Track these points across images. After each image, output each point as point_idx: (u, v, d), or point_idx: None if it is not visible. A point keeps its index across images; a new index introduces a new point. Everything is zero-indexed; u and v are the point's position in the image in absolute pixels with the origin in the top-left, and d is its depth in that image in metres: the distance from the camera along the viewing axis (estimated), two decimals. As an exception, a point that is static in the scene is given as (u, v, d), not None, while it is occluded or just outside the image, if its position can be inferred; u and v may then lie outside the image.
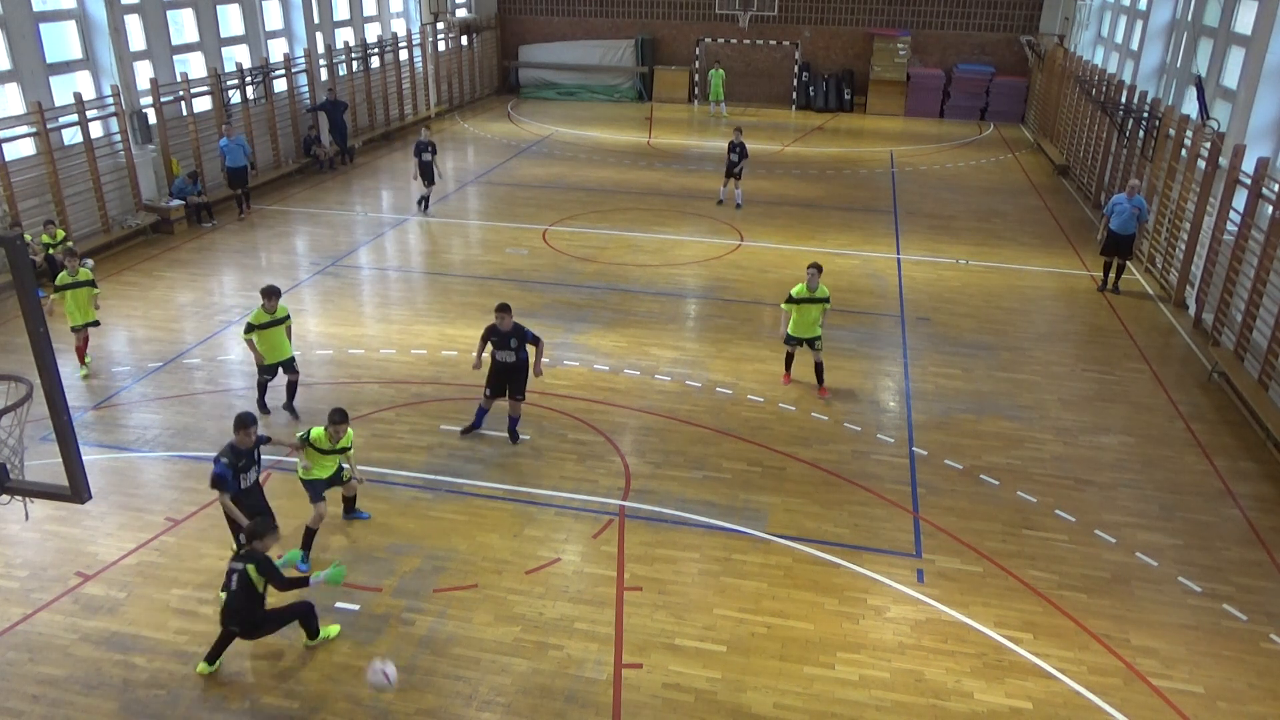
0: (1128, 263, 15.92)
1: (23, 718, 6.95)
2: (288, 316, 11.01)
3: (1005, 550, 9.03)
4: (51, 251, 14.77)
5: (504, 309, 10.40)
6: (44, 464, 9.13)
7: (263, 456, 8.42)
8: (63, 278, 11.87)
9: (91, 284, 12.07)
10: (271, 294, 10.66)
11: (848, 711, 7.13)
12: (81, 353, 12.23)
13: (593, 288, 15.44)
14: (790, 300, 11.75)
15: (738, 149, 19.43)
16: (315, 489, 8.71)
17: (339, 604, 8.10)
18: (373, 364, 12.62)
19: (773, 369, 12.65)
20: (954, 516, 9.53)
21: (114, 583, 8.34)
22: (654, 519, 9.38)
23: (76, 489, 5.04)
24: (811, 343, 11.92)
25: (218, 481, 7.92)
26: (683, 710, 7.10)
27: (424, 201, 19.40)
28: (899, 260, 17.19)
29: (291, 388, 11.28)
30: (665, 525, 9.28)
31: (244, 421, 8.04)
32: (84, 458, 5.20)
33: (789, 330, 11.85)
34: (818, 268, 11.78)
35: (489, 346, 10.52)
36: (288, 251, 17.17)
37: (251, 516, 7.82)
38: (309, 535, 8.68)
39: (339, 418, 8.58)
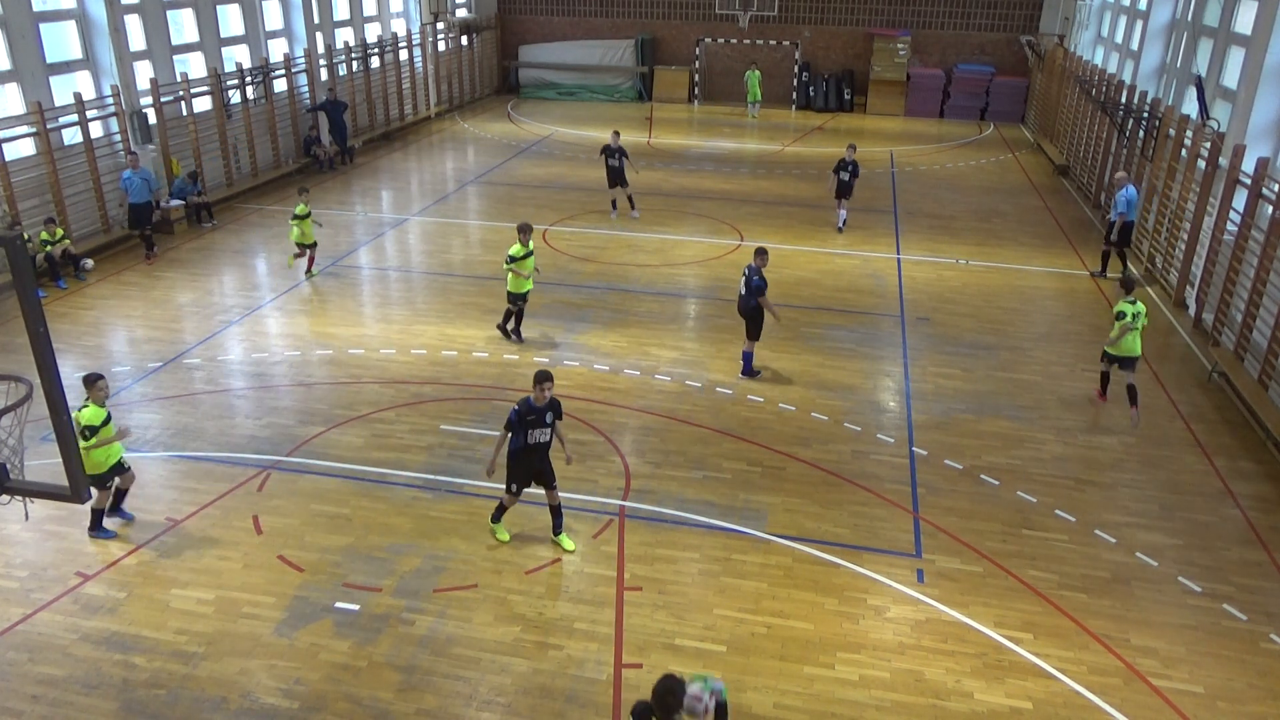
0: (1112, 251, 16.33)
1: (23, 718, 6.95)
2: (533, 250, 12.96)
3: (1005, 550, 9.03)
4: (50, 249, 14.79)
5: (763, 251, 12.23)
6: (44, 464, 9.15)
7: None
8: (301, 209, 15.23)
9: (309, 215, 15.31)
10: (527, 229, 12.82)
11: (848, 711, 7.13)
12: (311, 261, 15.66)
13: (593, 288, 15.44)
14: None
15: (850, 167, 18.23)
16: None
17: (339, 604, 8.11)
18: (373, 364, 12.62)
19: (772, 368, 12.65)
20: (954, 516, 9.53)
21: (114, 583, 8.34)
22: (654, 519, 9.38)
23: (76, 489, 5.04)
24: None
25: (507, 424, 8.39)
26: (683, 710, 7.09)
27: (615, 205, 19.23)
28: (899, 260, 17.18)
29: (519, 316, 13.26)
30: (665, 525, 9.27)
31: (539, 377, 8.34)
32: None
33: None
34: None
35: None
36: (287, 251, 17.14)
37: (520, 476, 8.54)
38: None
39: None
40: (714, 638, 7.82)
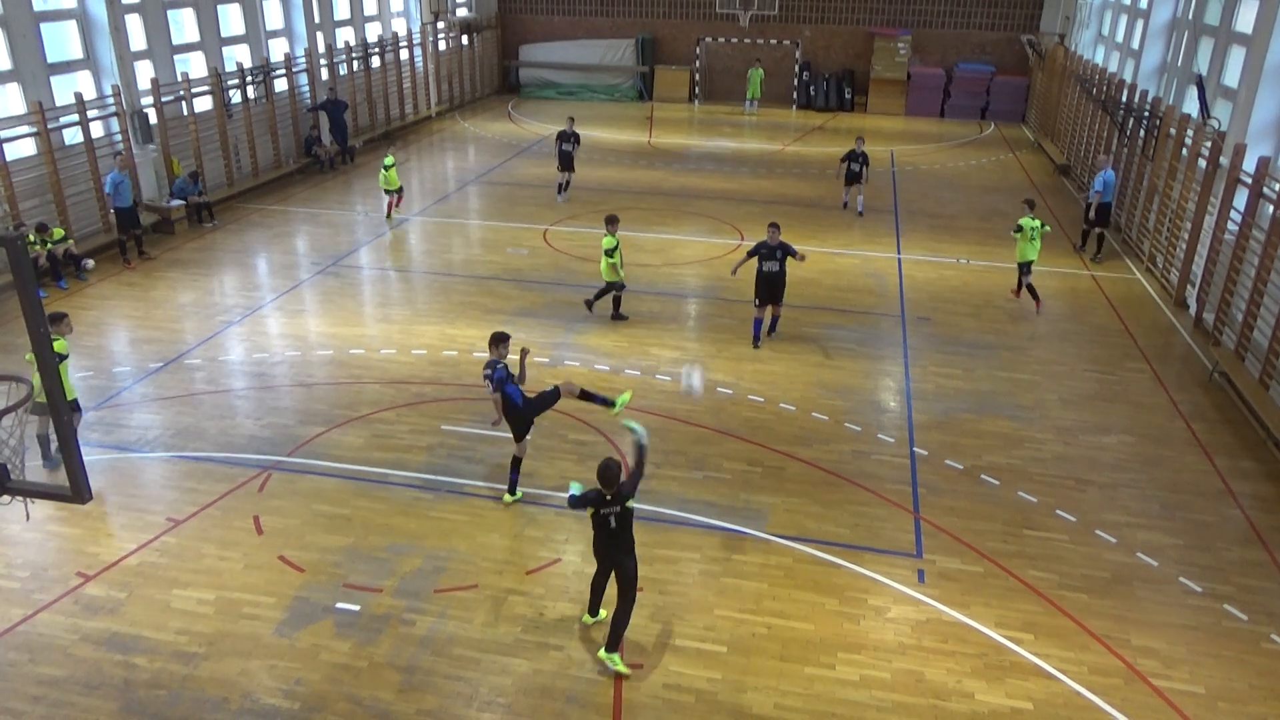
0: (1091, 230, 17.64)
1: (23, 718, 6.95)
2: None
3: (1006, 550, 9.02)
4: (50, 248, 14.80)
5: (774, 225, 13.13)
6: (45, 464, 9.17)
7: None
8: (389, 160, 18.70)
9: (395, 165, 18.75)
10: (615, 220, 13.62)
11: (848, 712, 7.13)
12: (393, 205, 18.85)
13: (593, 287, 15.42)
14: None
15: (861, 158, 19.26)
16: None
17: (339, 604, 8.11)
18: (373, 364, 12.63)
19: (772, 369, 12.65)
20: (954, 516, 9.53)
21: (115, 583, 8.34)
22: (654, 519, 9.36)
23: (77, 489, 5.05)
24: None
25: (496, 384, 9.14)
26: (683, 710, 7.10)
27: (560, 188, 20.52)
28: (899, 260, 17.18)
29: (617, 301, 14.05)
30: (665, 525, 9.27)
31: (497, 339, 9.29)
32: (85, 458, 5.20)
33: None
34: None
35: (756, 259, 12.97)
36: (288, 251, 17.17)
37: (515, 425, 9.29)
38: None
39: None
40: (714, 638, 7.82)
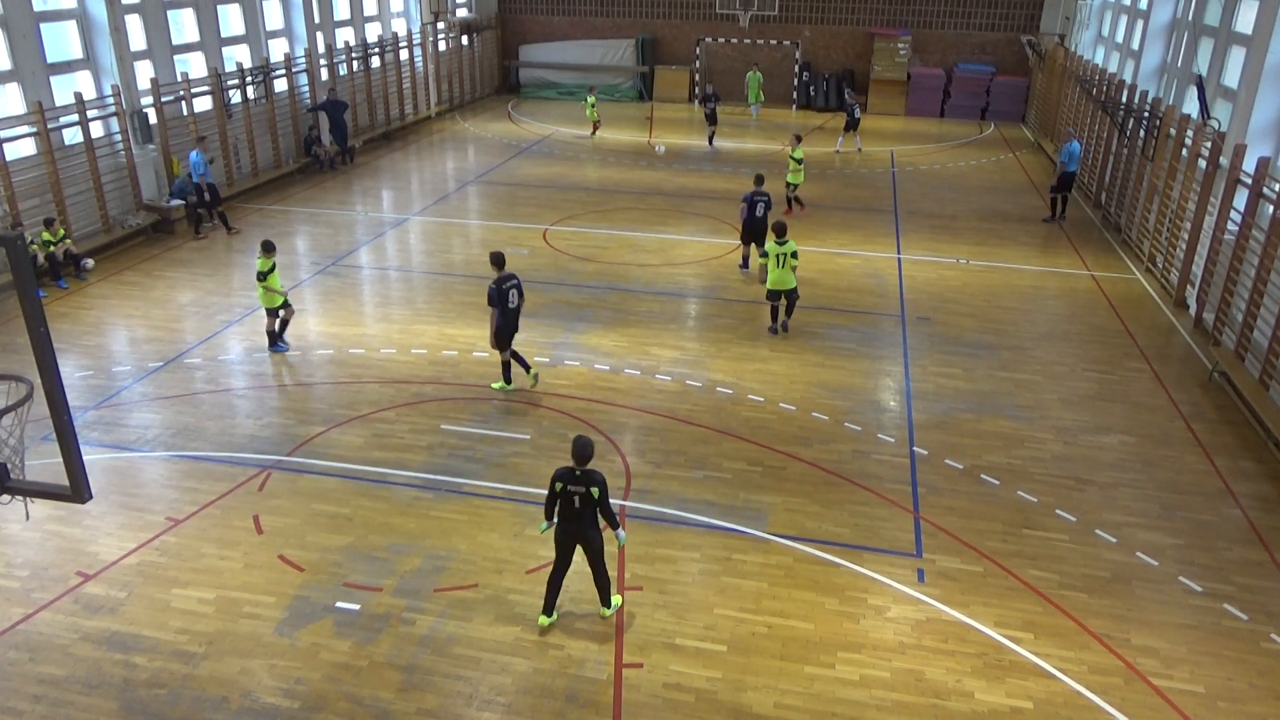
0: (1058, 198, 19.69)
1: (23, 717, 6.96)
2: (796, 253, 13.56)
3: (1006, 550, 9.03)
4: (52, 249, 14.80)
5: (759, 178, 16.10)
6: (45, 464, 9.15)
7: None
8: (591, 99, 26.57)
9: (594, 104, 26.63)
10: (783, 229, 13.60)
11: (848, 711, 7.13)
12: (596, 128, 26.73)
13: (593, 287, 15.44)
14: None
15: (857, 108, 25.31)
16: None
17: (339, 604, 8.11)
18: (373, 364, 12.63)
19: (773, 368, 12.66)
20: (954, 516, 9.53)
21: (114, 582, 8.34)
22: (654, 519, 9.37)
23: (77, 489, 5.05)
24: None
25: (490, 299, 11.16)
26: (683, 710, 7.10)
27: (711, 139, 26.12)
28: (899, 260, 17.18)
29: (790, 309, 13.80)
30: (665, 525, 9.27)
31: (496, 260, 11.42)
32: (84, 457, 5.20)
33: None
34: None
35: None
36: (288, 251, 17.15)
37: (505, 333, 11.36)
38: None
39: None
40: (714, 637, 7.82)
